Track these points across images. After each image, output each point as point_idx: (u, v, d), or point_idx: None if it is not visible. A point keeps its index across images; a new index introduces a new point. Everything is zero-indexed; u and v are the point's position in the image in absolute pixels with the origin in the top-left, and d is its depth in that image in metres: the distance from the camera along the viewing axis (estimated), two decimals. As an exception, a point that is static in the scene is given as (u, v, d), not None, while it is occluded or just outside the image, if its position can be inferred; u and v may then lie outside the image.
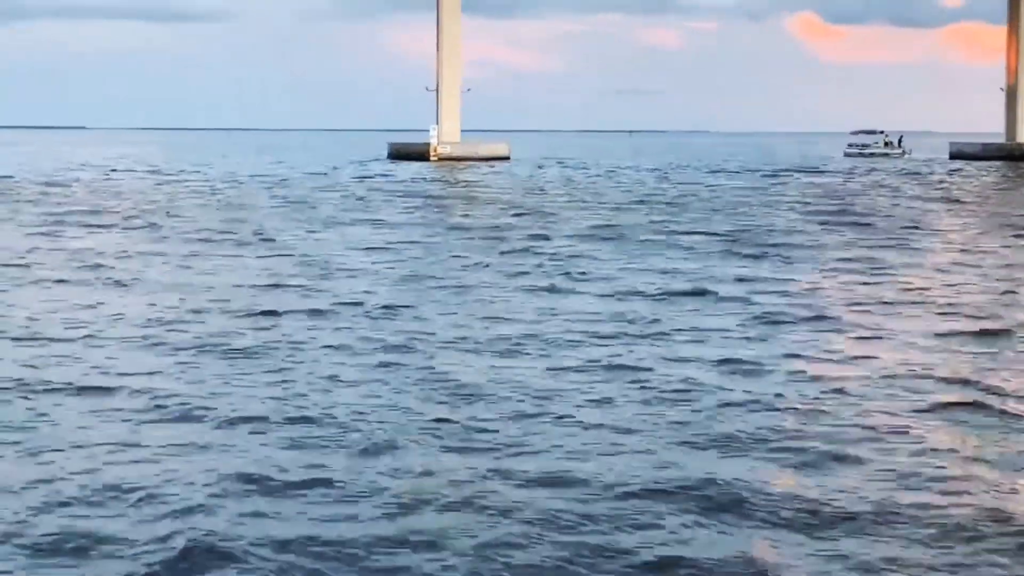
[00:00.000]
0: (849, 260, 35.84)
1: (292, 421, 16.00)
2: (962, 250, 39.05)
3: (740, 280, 30.87)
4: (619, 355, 20.54)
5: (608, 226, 48.19)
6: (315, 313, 25.19)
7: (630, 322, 24.06)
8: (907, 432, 15.31)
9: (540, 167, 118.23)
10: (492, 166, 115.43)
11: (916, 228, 47.99)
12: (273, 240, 42.00)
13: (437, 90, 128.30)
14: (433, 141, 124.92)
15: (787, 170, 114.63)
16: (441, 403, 17.11)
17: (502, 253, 38.04)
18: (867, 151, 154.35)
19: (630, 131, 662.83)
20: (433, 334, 22.60)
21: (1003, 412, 16.44)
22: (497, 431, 15.45)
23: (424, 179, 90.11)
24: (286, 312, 25.34)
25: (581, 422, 15.88)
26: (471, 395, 17.57)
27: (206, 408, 16.71)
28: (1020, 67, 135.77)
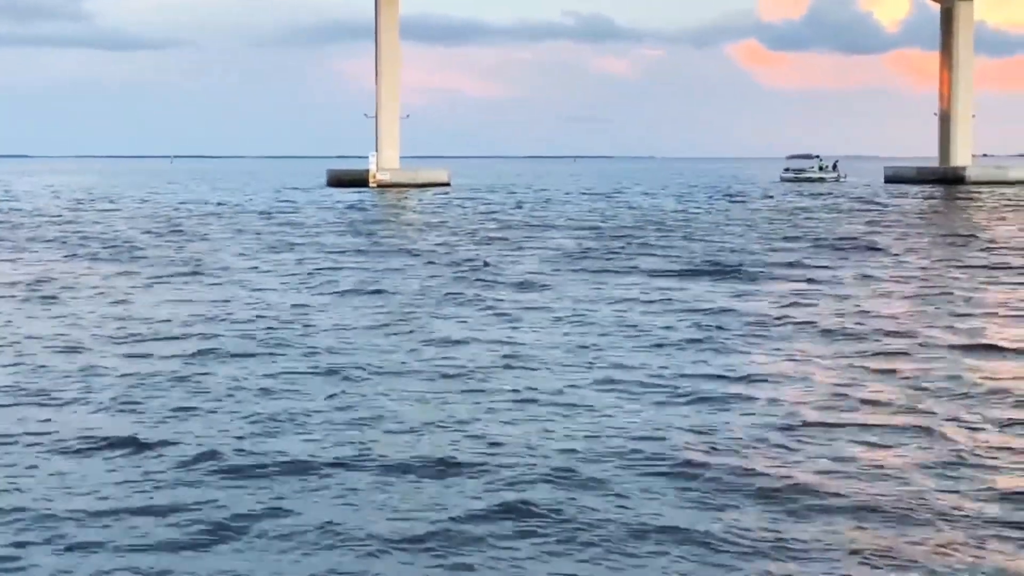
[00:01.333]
0: (803, 279, 36.88)
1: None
2: (908, 266, 39.85)
3: (700, 299, 31.55)
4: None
5: (567, 254, 48.66)
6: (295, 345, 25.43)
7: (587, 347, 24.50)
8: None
9: (490, 193, 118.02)
10: (434, 193, 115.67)
11: (869, 249, 49.23)
12: (221, 269, 42.01)
13: (376, 117, 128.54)
14: (372, 168, 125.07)
15: (733, 195, 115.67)
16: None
17: (456, 278, 38.52)
18: (803, 176, 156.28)
19: (574, 157, 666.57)
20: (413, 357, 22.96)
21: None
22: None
23: (362, 206, 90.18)
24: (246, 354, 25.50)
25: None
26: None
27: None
28: (953, 93, 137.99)
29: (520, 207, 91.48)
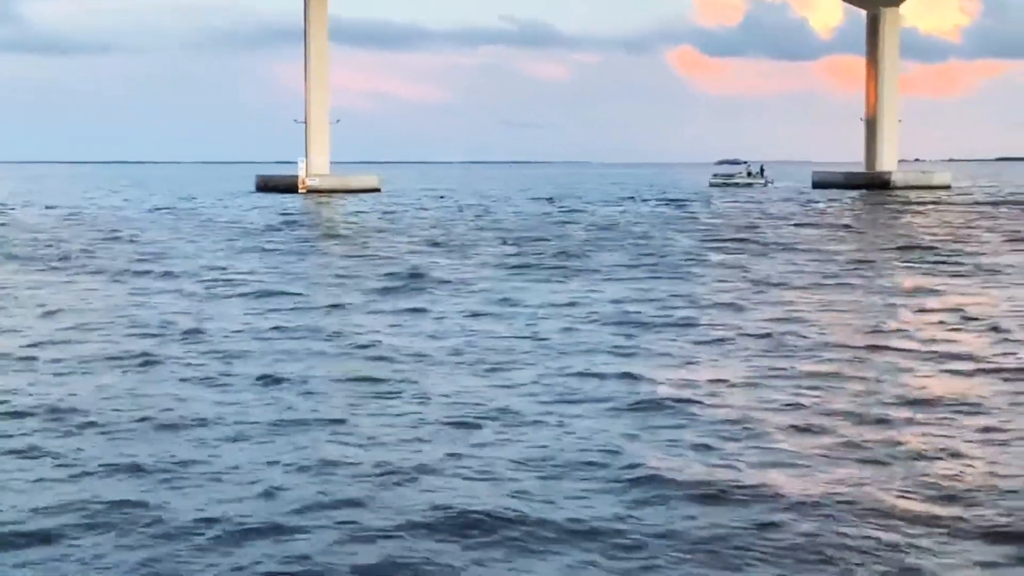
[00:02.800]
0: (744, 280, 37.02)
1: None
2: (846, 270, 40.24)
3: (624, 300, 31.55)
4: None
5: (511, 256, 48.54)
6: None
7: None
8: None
9: (422, 198, 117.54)
10: (362, 198, 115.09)
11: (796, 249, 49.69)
12: (163, 273, 41.57)
13: (306, 122, 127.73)
14: (301, 173, 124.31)
15: (664, 200, 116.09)
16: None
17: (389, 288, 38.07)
18: (731, 181, 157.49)
19: (510, 162, 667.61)
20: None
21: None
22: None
23: (286, 211, 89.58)
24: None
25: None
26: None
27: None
28: (879, 99, 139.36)
29: (448, 210, 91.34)
